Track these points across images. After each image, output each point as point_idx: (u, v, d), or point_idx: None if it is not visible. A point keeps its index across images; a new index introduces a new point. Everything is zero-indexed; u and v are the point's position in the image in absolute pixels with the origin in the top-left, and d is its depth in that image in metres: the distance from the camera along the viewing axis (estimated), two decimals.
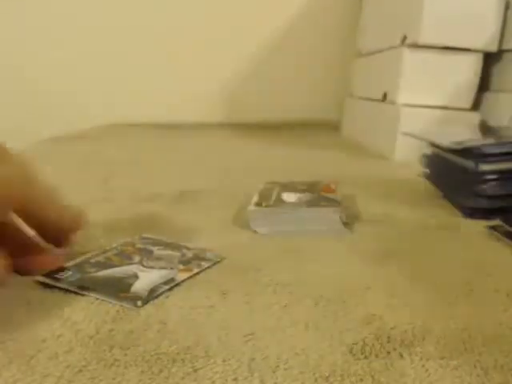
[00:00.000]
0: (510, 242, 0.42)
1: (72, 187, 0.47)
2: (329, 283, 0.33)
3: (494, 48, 0.91)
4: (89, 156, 0.88)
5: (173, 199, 0.56)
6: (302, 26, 1.46)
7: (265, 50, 1.47)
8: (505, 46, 0.90)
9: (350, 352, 0.24)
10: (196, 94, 1.45)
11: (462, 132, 0.69)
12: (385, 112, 1.00)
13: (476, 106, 0.94)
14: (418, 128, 0.71)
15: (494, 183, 0.50)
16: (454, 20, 0.89)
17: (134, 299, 0.29)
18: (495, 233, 0.44)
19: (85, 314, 0.27)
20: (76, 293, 0.29)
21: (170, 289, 0.31)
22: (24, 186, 0.27)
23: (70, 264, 0.33)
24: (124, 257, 0.35)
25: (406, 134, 0.68)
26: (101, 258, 0.34)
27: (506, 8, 0.90)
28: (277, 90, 1.50)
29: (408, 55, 0.92)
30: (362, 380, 0.22)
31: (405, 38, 0.94)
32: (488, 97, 0.94)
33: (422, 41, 0.90)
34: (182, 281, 0.32)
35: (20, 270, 0.29)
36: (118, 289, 0.30)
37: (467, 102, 0.93)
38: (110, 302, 0.28)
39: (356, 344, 0.25)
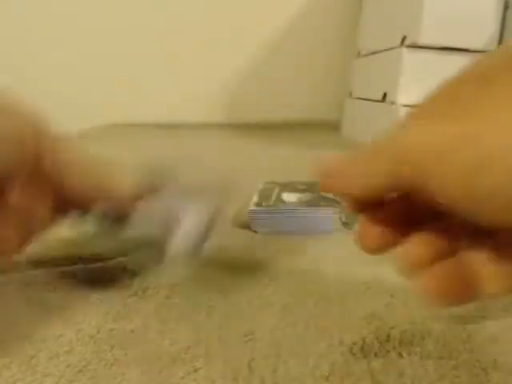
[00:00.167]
0: None
1: None
2: (329, 283, 0.33)
3: (493, 48, 0.91)
4: None
5: None
6: (301, 25, 1.46)
7: (265, 50, 1.48)
8: None
9: (350, 352, 0.24)
10: (196, 93, 1.45)
11: None
12: (385, 112, 1.00)
13: None
14: None
15: None
16: (454, 20, 0.89)
17: None
18: None
19: (85, 313, 0.27)
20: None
21: None
22: (37, 138, 0.23)
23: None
24: None
25: None
26: None
27: (505, 8, 0.90)
28: (277, 89, 1.50)
29: (408, 55, 0.92)
30: (361, 379, 0.22)
31: (404, 38, 0.94)
32: None
33: (421, 41, 0.90)
34: None
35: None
36: None
37: None
38: None
39: (355, 344, 0.25)
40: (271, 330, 0.26)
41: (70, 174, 0.25)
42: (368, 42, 1.25)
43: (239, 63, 1.48)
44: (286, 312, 0.28)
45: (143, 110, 1.41)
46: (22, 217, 0.23)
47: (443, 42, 0.90)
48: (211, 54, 1.44)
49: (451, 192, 0.15)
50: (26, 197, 0.24)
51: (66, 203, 0.26)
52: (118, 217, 0.28)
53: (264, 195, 0.48)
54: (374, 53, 1.16)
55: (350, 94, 1.32)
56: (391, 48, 1.01)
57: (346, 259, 0.38)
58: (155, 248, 0.28)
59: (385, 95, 1.01)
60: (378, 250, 0.21)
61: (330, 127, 1.38)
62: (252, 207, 0.44)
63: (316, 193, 0.48)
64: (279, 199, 0.46)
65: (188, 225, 0.29)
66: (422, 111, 0.18)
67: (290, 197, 0.47)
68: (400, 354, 0.24)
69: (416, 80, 0.92)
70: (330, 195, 0.48)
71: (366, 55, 1.23)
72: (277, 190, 0.49)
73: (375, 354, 0.24)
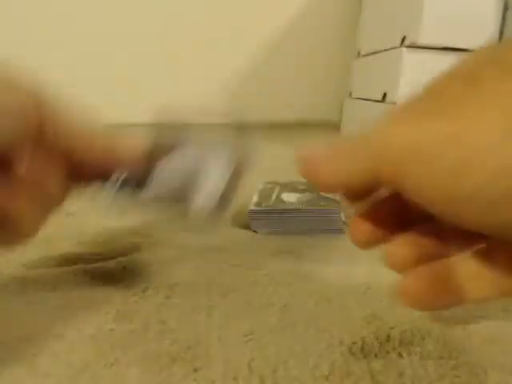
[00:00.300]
0: None
1: None
2: (329, 283, 0.33)
3: None
4: None
5: None
6: (301, 26, 1.46)
7: (265, 50, 1.48)
8: None
9: (350, 352, 0.24)
10: (196, 94, 1.45)
11: None
12: (385, 112, 1.00)
13: None
14: None
15: None
16: (454, 20, 0.89)
17: None
18: None
19: (86, 313, 0.27)
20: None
21: None
22: (39, 110, 0.23)
23: None
24: None
25: None
26: None
27: (505, 9, 0.90)
28: (277, 90, 1.50)
29: (408, 55, 0.92)
30: (361, 379, 0.22)
31: (404, 38, 0.94)
32: None
33: (421, 41, 0.90)
34: None
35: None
36: None
37: None
38: None
39: (355, 343, 0.25)
40: (271, 330, 0.26)
41: (76, 142, 0.24)
42: (368, 42, 1.25)
43: (239, 63, 1.48)
44: (286, 312, 0.28)
45: (143, 110, 1.41)
46: (34, 190, 0.23)
47: (443, 42, 0.90)
48: (211, 53, 1.44)
49: (427, 193, 0.15)
50: (35, 169, 0.23)
51: (80, 175, 0.25)
52: (138, 180, 0.27)
53: (264, 195, 0.48)
54: (373, 53, 1.16)
55: (350, 94, 1.32)
56: (391, 48, 1.01)
57: (345, 259, 0.38)
58: (178, 208, 0.27)
59: (385, 95, 1.01)
60: (368, 244, 0.21)
61: (330, 127, 1.38)
62: (252, 207, 0.44)
63: (316, 193, 0.49)
64: (279, 199, 0.46)
65: (210, 184, 0.28)
66: (406, 108, 0.17)
67: (289, 197, 0.47)
68: (400, 354, 0.24)
69: (416, 80, 0.92)
70: (330, 195, 0.48)
71: (366, 55, 1.24)
72: (277, 190, 0.49)
73: (375, 354, 0.24)
